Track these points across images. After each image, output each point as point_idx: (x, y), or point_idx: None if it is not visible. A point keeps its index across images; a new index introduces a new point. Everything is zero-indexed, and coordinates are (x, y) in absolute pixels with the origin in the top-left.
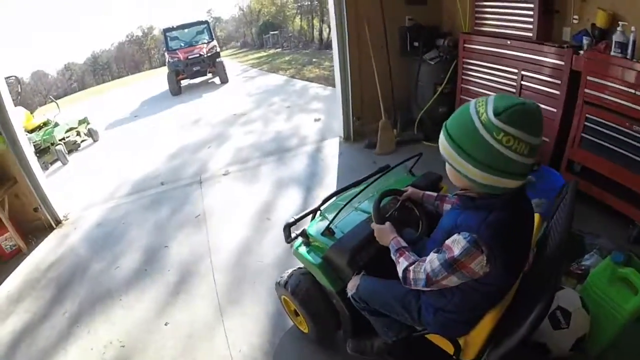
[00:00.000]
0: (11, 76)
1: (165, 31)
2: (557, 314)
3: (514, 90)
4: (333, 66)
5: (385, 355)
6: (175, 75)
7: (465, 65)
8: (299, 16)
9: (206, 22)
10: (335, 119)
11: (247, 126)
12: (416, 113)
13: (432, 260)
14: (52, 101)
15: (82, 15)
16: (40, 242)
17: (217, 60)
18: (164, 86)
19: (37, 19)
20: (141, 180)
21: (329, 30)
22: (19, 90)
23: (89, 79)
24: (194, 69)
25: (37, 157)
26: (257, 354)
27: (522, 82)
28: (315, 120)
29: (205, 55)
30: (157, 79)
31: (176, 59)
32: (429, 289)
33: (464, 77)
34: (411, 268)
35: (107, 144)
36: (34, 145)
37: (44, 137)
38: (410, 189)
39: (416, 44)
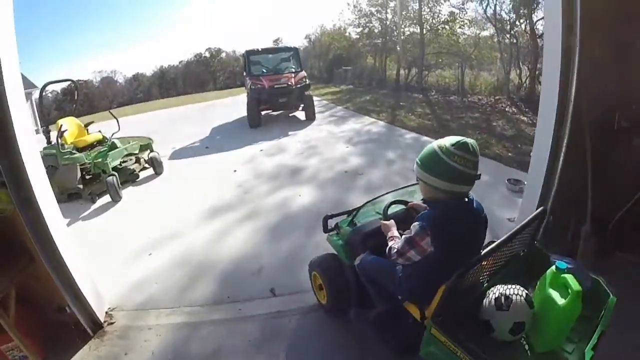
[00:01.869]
0: (67, 80)
1: (249, 54)
2: (501, 298)
3: None
4: (432, 114)
5: (377, 324)
6: (257, 105)
7: None
8: (371, 54)
9: (295, 49)
10: (510, 209)
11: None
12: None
13: (402, 240)
14: (112, 115)
15: (152, 29)
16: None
17: (306, 93)
18: (237, 111)
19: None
20: (233, 269)
21: (409, 72)
22: (76, 97)
23: (155, 91)
24: (280, 100)
25: (83, 185)
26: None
27: None
28: None
29: (294, 87)
30: (226, 101)
31: (259, 86)
32: (401, 260)
33: None
34: (394, 246)
35: (173, 181)
36: (80, 169)
37: (96, 161)
38: (415, 201)
39: None
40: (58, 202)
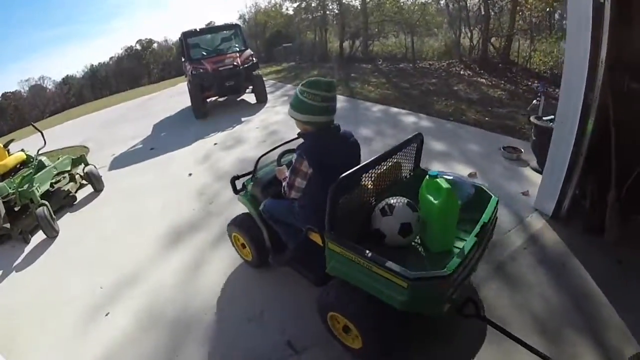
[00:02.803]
0: None
1: (186, 36)
2: (385, 207)
3: None
4: (388, 83)
5: (292, 261)
6: (200, 92)
7: None
8: (310, 29)
9: (237, 25)
10: (518, 181)
11: None
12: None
13: (288, 173)
14: (35, 128)
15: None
16: None
17: (254, 73)
18: (179, 102)
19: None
20: (225, 318)
21: (354, 43)
22: None
23: (88, 93)
24: (227, 84)
25: (10, 225)
26: None
27: None
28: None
29: (240, 67)
30: (165, 95)
31: (201, 70)
32: (293, 192)
33: None
34: (284, 182)
35: (118, 198)
36: (4, 202)
37: (21, 190)
38: None
39: None
40: None
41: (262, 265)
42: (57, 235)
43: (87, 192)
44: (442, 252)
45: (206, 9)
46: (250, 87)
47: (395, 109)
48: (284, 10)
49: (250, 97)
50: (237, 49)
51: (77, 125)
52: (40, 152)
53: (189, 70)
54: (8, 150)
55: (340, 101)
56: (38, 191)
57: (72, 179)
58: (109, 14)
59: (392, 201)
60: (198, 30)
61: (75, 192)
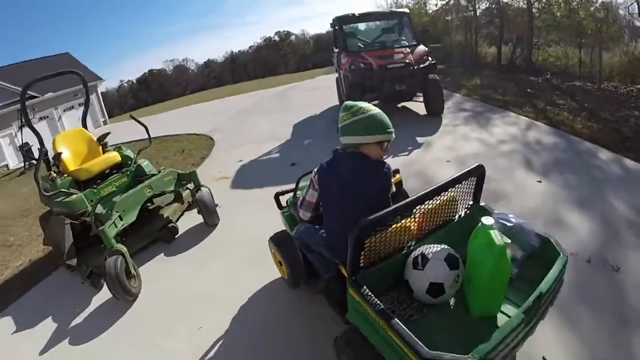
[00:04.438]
0: (63, 72)
1: (341, 22)
2: (418, 258)
3: None
4: (581, 109)
5: (325, 291)
6: (360, 93)
7: None
8: (460, 29)
9: (405, 13)
10: None
11: None
12: None
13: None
14: (135, 121)
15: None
16: None
17: (431, 77)
18: (322, 98)
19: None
20: None
21: (515, 49)
22: (87, 96)
23: (227, 77)
24: (397, 87)
25: (77, 260)
26: None
27: None
28: None
29: (415, 67)
30: (304, 87)
31: (363, 65)
32: (302, 210)
33: None
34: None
35: (239, 248)
36: (72, 226)
37: (97, 213)
38: None
39: None
40: None
41: (297, 286)
42: (132, 300)
43: (192, 222)
44: (485, 318)
45: (341, 5)
46: (420, 93)
47: (630, 163)
48: (428, 8)
49: (415, 106)
50: (406, 43)
51: (209, 109)
52: (141, 154)
53: (346, 63)
54: (105, 145)
55: (542, 132)
56: (117, 226)
57: (178, 197)
58: (245, 8)
59: (428, 251)
60: (357, 15)
61: (177, 219)
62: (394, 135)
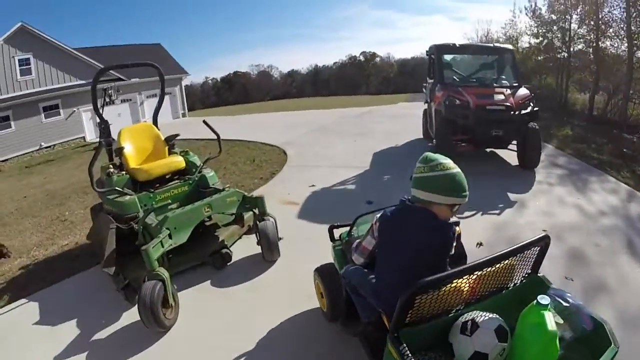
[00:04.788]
0: (132, 64)
1: (440, 51)
2: (468, 323)
3: None
4: None
5: (362, 335)
6: (451, 131)
7: None
8: (552, 71)
9: (510, 50)
10: None
11: None
12: None
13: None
14: (208, 127)
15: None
16: None
17: (531, 126)
18: (405, 129)
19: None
20: None
21: (609, 100)
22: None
23: (308, 89)
24: (494, 132)
25: (115, 269)
26: None
27: None
28: None
29: (516, 111)
30: (386, 111)
31: (458, 102)
32: (356, 254)
33: None
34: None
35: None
36: (118, 230)
37: (149, 220)
38: None
39: None
40: None
41: (335, 321)
42: (165, 331)
43: (250, 251)
44: None
45: (432, 34)
46: (515, 141)
47: None
48: (519, 44)
49: (504, 153)
50: (507, 84)
51: (287, 120)
52: (209, 161)
53: (441, 97)
54: (172, 145)
55: None
56: (163, 246)
57: (238, 219)
58: (337, 24)
59: (479, 318)
60: (457, 46)
61: (233, 244)
62: (467, 199)
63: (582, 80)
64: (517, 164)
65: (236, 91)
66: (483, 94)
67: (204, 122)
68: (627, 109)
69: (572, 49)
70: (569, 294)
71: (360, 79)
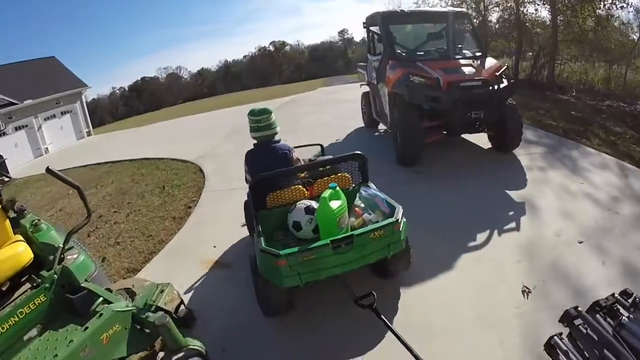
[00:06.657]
0: None
1: (385, 20)
2: (293, 206)
3: None
4: None
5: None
6: (419, 119)
7: None
8: None
9: (467, 14)
10: None
11: None
12: None
13: None
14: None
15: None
16: None
17: (509, 103)
18: (338, 119)
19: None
20: None
21: (535, 64)
22: None
23: (220, 87)
24: (473, 114)
25: None
26: None
27: None
28: None
29: (494, 87)
30: (308, 97)
31: (424, 80)
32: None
33: None
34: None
35: None
36: None
37: None
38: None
39: None
40: None
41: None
42: None
43: None
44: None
45: (341, 17)
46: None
47: None
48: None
49: (478, 138)
50: (469, 54)
51: (201, 124)
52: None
53: (397, 76)
54: (19, 213)
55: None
56: None
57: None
58: (243, 17)
59: (299, 204)
60: (406, 12)
61: None
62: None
63: (501, 47)
64: (490, 146)
65: (146, 98)
66: (449, 68)
67: (49, 171)
68: (554, 71)
69: (488, 18)
70: (374, 189)
71: (272, 69)
